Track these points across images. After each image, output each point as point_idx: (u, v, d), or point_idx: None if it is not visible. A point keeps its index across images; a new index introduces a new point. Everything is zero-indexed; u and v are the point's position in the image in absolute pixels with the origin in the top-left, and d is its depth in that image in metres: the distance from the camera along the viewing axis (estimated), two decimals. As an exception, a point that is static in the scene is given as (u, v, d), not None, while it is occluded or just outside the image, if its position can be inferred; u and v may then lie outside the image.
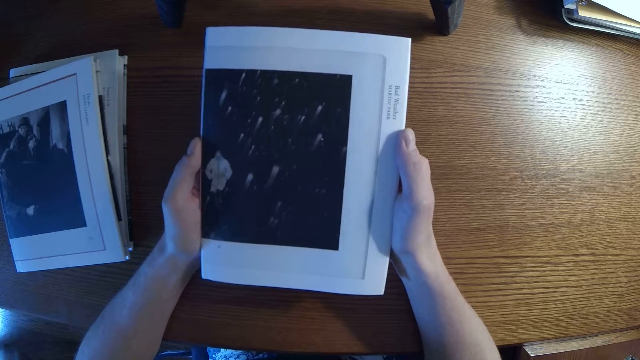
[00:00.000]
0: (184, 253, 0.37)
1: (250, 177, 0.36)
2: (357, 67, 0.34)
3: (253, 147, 0.35)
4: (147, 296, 0.39)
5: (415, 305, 0.40)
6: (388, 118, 0.34)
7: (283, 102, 0.35)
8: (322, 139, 0.35)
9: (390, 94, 0.34)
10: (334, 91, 0.34)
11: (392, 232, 0.35)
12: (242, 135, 0.35)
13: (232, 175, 0.36)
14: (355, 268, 0.36)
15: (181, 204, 0.35)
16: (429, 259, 0.36)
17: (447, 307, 0.36)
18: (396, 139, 0.34)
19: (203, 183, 0.37)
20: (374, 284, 0.36)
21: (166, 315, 0.42)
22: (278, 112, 0.35)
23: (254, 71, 0.35)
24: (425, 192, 0.33)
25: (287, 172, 0.35)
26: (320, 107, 0.35)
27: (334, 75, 0.34)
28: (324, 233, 0.36)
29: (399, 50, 0.34)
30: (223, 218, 0.37)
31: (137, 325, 0.39)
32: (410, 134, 0.34)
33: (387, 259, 0.36)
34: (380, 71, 0.34)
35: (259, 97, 0.35)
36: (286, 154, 0.35)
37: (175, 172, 0.35)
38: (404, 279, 0.39)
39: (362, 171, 0.35)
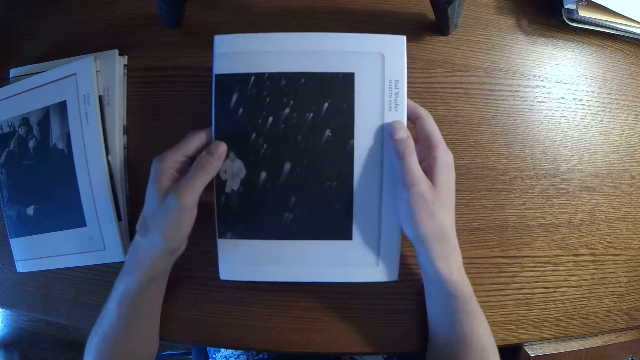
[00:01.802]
0: (170, 250, 0.37)
1: (263, 175, 0.37)
2: (358, 65, 0.36)
3: (265, 145, 0.37)
4: (132, 303, 0.38)
5: (427, 300, 0.40)
6: (390, 110, 0.36)
7: (291, 102, 0.36)
8: (330, 134, 0.37)
9: (390, 87, 0.36)
10: (338, 89, 0.36)
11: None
12: (254, 135, 0.37)
13: (246, 175, 0.37)
14: (370, 256, 0.38)
15: (194, 202, 0.35)
16: (442, 256, 0.35)
17: (457, 309, 0.36)
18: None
19: (217, 184, 0.37)
20: (388, 270, 0.38)
21: (156, 313, 0.41)
22: (287, 111, 0.37)
23: (262, 74, 0.36)
24: (413, 178, 0.34)
25: (299, 167, 0.37)
26: (326, 104, 0.36)
27: (337, 74, 0.36)
28: (337, 224, 0.37)
29: (395, 47, 0.36)
30: (239, 217, 0.38)
31: (129, 330, 0.38)
32: (396, 124, 0.36)
33: (399, 245, 0.37)
34: (380, 67, 0.36)
35: (268, 98, 0.37)
36: (297, 151, 0.37)
37: (200, 169, 0.35)
38: (421, 272, 0.39)
39: (370, 162, 0.37)
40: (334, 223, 0.37)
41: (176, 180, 0.36)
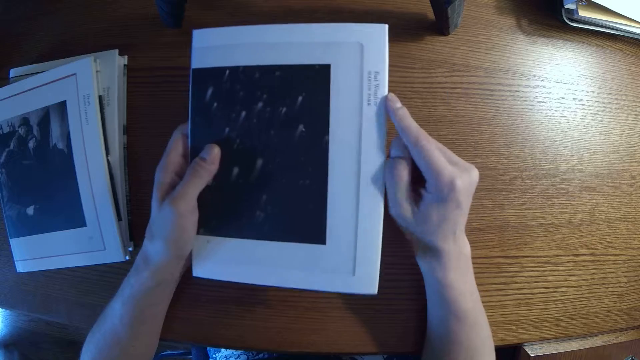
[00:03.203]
0: (175, 257, 0.37)
1: (236, 170, 0.36)
2: (335, 56, 0.34)
3: (238, 140, 0.36)
4: (137, 305, 0.38)
5: (427, 295, 0.40)
6: (369, 104, 0.34)
7: (265, 95, 0.35)
8: (303, 130, 0.35)
9: (369, 80, 0.34)
10: (313, 81, 0.34)
11: (413, 216, 0.34)
12: (227, 129, 0.36)
13: (219, 170, 0.36)
14: (345, 263, 0.35)
15: (190, 208, 0.35)
16: (429, 258, 0.35)
17: (446, 309, 0.36)
18: (394, 119, 0.33)
19: None
20: (366, 281, 0.34)
21: (160, 317, 0.41)
22: (260, 105, 0.35)
23: (236, 67, 0.35)
24: (453, 171, 0.31)
25: (271, 164, 0.35)
26: (300, 98, 0.35)
27: (312, 66, 0.34)
28: (310, 226, 0.35)
29: (375, 36, 0.33)
30: (211, 213, 0.37)
31: (132, 332, 0.38)
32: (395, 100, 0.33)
33: (378, 254, 0.34)
34: (358, 58, 0.34)
35: (241, 92, 0.36)
36: (269, 146, 0.35)
37: (193, 175, 0.34)
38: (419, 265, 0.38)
39: (346, 160, 0.34)
40: (306, 225, 0.35)
41: (174, 185, 0.36)
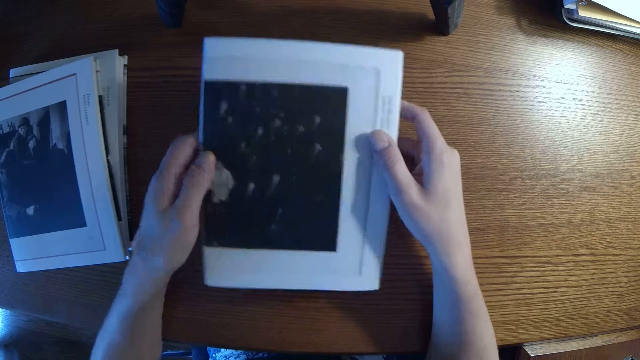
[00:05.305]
0: (171, 270, 0.36)
1: (252, 186, 0.36)
2: (352, 79, 0.35)
3: (254, 157, 0.36)
4: (134, 321, 0.37)
5: (434, 296, 0.40)
6: (382, 128, 0.35)
7: (282, 113, 0.35)
8: (320, 149, 0.36)
9: (383, 104, 0.35)
10: (331, 103, 0.35)
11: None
12: (243, 145, 0.36)
13: (235, 185, 0.36)
14: (353, 266, 0.38)
15: (195, 221, 0.34)
16: (445, 254, 0.36)
17: (461, 307, 0.36)
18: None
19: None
20: (370, 279, 0.38)
21: (158, 324, 0.41)
22: (278, 122, 0.35)
23: (253, 83, 0.35)
24: (398, 186, 0.34)
25: (287, 181, 0.36)
26: (318, 118, 0.35)
27: (330, 88, 0.35)
28: (323, 237, 0.37)
29: (391, 62, 0.35)
30: (225, 227, 0.37)
31: (133, 343, 0.38)
32: (377, 135, 0.35)
33: (381, 256, 0.38)
34: (375, 83, 0.35)
35: (258, 109, 0.35)
36: (286, 164, 0.36)
37: (193, 185, 0.33)
38: (432, 268, 0.39)
39: (358, 178, 0.36)
40: (319, 236, 0.37)
41: (174, 196, 0.34)
